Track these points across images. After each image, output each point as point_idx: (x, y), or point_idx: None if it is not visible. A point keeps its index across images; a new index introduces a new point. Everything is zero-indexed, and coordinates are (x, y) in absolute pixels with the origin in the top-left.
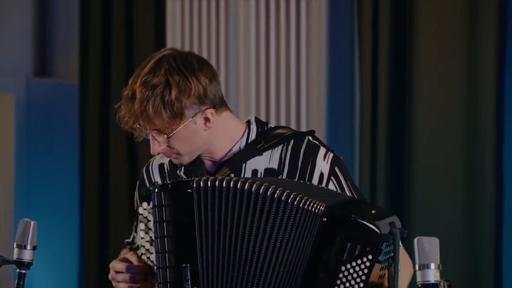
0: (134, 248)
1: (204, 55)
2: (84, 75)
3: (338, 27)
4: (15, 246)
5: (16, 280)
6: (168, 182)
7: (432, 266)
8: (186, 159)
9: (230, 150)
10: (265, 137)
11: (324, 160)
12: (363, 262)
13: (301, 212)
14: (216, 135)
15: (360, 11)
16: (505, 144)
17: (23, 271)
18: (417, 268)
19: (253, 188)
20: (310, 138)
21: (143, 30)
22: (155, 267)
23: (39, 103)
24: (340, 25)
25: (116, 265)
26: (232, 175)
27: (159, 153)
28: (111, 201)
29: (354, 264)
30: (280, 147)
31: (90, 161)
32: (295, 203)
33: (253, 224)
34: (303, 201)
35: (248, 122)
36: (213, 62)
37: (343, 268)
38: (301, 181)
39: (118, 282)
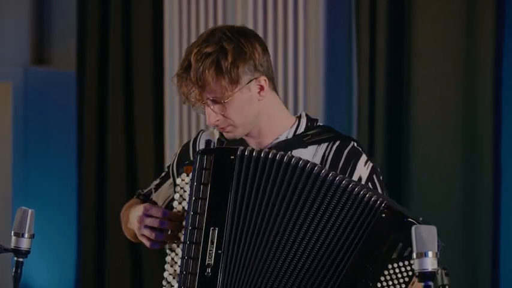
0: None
1: None
2: (81, 64)
3: (336, 23)
4: (12, 234)
5: (13, 268)
6: (214, 147)
7: (430, 254)
8: (240, 132)
9: (277, 138)
10: (314, 132)
11: (364, 166)
12: (410, 264)
13: (358, 202)
14: (267, 111)
15: (357, 6)
16: (502, 141)
17: (21, 259)
18: (415, 256)
19: (304, 165)
20: (355, 144)
21: (141, 19)
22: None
23: (36, 92)
24: (338, 21)
25: (151, 208)
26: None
27: (214, 126)
28: (108, 190)
29: (401, 264)
30: (325, 145)
31: (87, 149)
32: (354, 192)
33: (294, 200)
34: (362, 192)
35: (299, 116)
36: None
37: (390, 266)
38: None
39: (144, 226)
